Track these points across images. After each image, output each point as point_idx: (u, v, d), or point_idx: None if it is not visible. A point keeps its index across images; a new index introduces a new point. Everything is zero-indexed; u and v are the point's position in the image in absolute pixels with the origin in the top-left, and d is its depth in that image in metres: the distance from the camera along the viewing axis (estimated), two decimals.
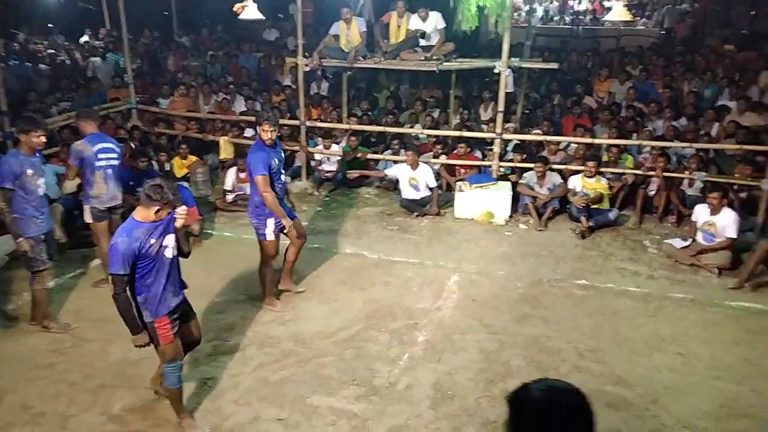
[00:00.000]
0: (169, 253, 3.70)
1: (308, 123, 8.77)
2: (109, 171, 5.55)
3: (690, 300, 5.66)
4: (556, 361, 4.71)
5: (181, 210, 3.70)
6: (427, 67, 7.99)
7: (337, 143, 8.90)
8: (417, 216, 7.67)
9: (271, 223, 5.22)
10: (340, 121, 9.13)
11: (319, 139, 9.04)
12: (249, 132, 9.53)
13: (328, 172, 8.85)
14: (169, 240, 3.69)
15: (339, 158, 8.74)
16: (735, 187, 7.09)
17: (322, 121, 9.30)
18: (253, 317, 5.34)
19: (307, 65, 8.38)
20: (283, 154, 5.48)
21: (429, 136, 8.77)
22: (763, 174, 6.93)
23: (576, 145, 8.17)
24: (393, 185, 8.47)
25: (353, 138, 8.63)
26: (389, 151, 8.73)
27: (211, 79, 11.17)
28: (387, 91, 10.68)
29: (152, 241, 3.58)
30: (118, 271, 3.51)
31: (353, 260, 6.49)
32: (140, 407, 4.24)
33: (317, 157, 8.92)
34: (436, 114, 9.38)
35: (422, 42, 8.17)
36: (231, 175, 8.03)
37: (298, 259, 5.73)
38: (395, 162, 8.59)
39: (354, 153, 8.55)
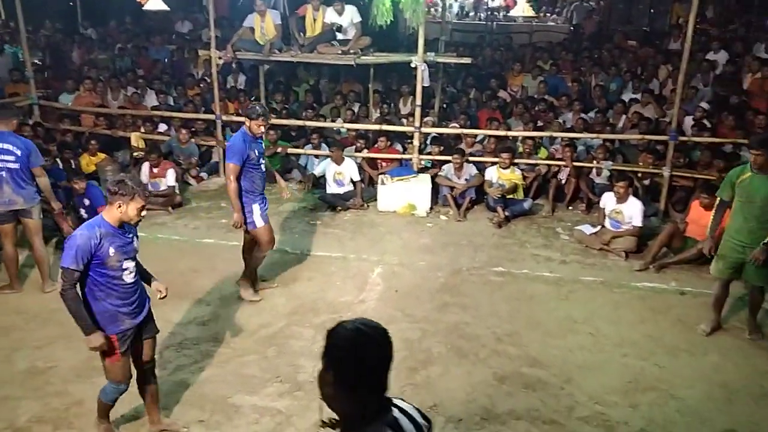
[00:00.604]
0: (129, 278, 3.43)
1: (224, 117, 8.56)
2: (2, 174, 5.20)
3: (599, 282, 5.96)
4: (476, 346, 4.84)
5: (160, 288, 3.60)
6: (345, 61, 7.98)
7: None
8: (340, 210, 7.66)
9: (257, 208, 5.20)
10: None
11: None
12: (162, 127, 9.20)
13: None
14: (129, 264, 3.43)
15: None
16: (639, 174, 7.54)
17: (239, 115, 9.09)
18: (169, 319, 5.15)
19: (220, 58, 8.18)
20: (263, 146, 5.48)
21: (349, 130, 8.77)
22: (664, 162, 7.40)
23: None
24: (316, 180, 8.43)
25: (272, 132, 8.49)
26: (309, 145, 8.65)
27: (119, 73, 10.67)
28: (306, 84, 10.58)
29: (111, 251, 3.29)
30: (70, 265, 3.22)
31: (275, 256, 6.38)
32: (49, 417, 4.00)
33: None
34: (356, 108, 9.38)
35: (339, 36, 8.15)
36: (144, 170, 7.73)
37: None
38: (316, 156, 8.55)
39: (273, 148, 8.42)
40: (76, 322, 3.35)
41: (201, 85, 9.96)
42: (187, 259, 6.25)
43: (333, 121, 9.13)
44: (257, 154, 5.17)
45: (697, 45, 9.83)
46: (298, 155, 8.75)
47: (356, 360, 1.72)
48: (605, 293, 5.76)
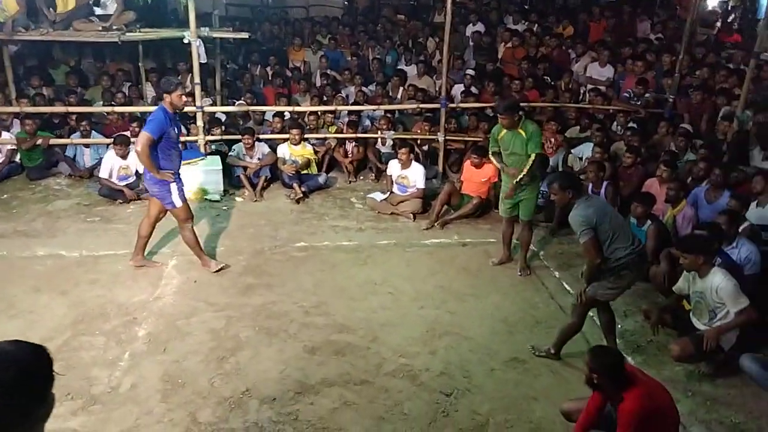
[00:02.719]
0: None
1: None
2: None
3: (393, 244, 6.32)
4: (285, 323, 4.84)
5: None
6: (107, 39, 7.26)
7: (8, 130, 7.60)
8: (121, 203, 7.04)
9: (174, 188, 5.22)
10: (8, 103, 7.79)
11: None
12: None
13: None
14: None
15: (13, 147, 7.49)
16: (418, 141, 8.09)
17: None
18: None
19: None
20: (182, 126, 5.36)
21: (119, 113, 8.02)
22: (438, 128, 8.02)
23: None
24: (89, 173, 7.64)
25: (29, 122, 7.45)
26: (77, 134, 7.76)
27: None
28: (66, 66, 9.43)
29: None
30: None
31: (48, 262, 5.68)
32: None
33: None
34: (127, 89, 8.63)
35: (98, 11, 7.38)
36: None
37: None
38: (86, 146, 7.73)
39: (32, 140, 7.40)
40: None
41: None
42: None
43: (104, 105, 8.27)
44: (176, 132, 5.20)
45: (458, 18, 10.73)
46: (64, 146, 7.80)
47: None
48: (399, 253, 6.13)
